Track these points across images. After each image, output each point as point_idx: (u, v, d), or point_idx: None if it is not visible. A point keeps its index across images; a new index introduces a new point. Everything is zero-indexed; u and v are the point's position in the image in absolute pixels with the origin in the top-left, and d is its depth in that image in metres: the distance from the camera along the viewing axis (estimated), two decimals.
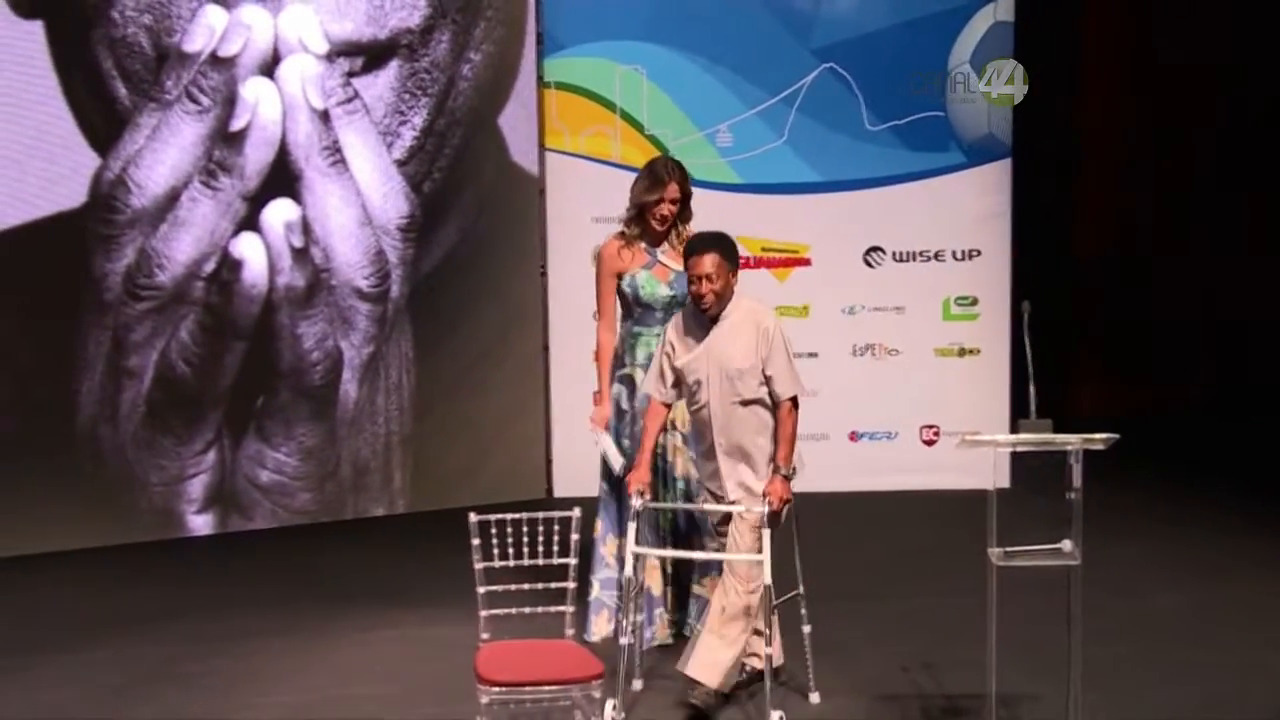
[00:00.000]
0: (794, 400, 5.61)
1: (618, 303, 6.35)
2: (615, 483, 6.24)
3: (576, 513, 5.05)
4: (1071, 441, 4.94)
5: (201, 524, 8.53)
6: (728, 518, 5.66)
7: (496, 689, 4.74)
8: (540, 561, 5.04)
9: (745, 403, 5.59)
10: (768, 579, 5.38)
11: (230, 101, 8.34)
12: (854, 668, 6.16)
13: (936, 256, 9.29)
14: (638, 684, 5.80)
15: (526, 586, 5.10)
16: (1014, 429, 5.17)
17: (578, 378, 8.76)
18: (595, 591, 6.41)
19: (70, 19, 8.06)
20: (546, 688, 4.78)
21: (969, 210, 9.25)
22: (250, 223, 8.44)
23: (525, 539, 5.02)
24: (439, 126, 8.87)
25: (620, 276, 6.25)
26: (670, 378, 5.71)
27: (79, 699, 5.94)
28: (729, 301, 5.61)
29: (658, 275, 6.21)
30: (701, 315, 5.63)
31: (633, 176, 6.42)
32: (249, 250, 8.44)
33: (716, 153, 9.19)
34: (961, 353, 9.32)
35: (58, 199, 8.08)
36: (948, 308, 9.31)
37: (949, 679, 5.97)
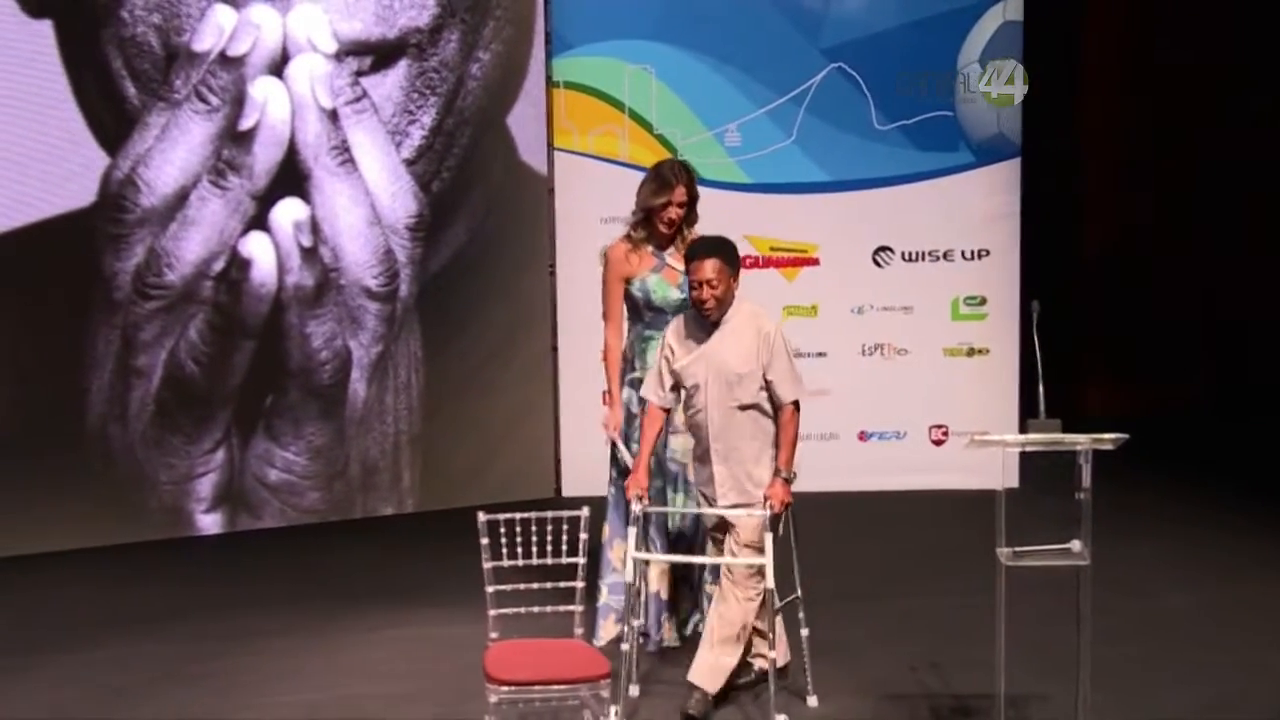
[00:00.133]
0: (795, 404, 5.60)
1: (624, 306, 6.33)
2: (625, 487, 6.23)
3: (585, 512, 5.05)
4: (1080, 441, 4.93)
5: (210, 523, 8.54)
6: (722, 523, 5.66)
7: (505, 688, 4.74)
8: (549, 561, 5.04)
9: (743, 407, 5.56)
10: (770, 583, 5.37)
11: (239, 101, 8.35)
12: (862, 667, 6.15)
13: (945, 256, 9.28)
14: (634, 690, 5.77)
15: (535, 586, 5.10)
16: (1023, 429, 5.16)
17: (586, 377, 8.78)
18: (603, 596, 6.40)
19: (80, 18, 8.07)
20: (555, 687, 4.77)
21: (978, 210, 9.25)
22: (259, 222, 8.45)
23: (534, 538, 5.02)
24: (448, 126, 8.87)
25: (629, 281, 6.23)
26: (669, 381, 5.68)
27: (84, 698, 5.94)
28: (730, 306, 5.59)
29: (667, 278, 6.20)
30: (702, 319, 5.61)
31: (641, 176, 6.39)
32: (258, 249, 8.45)
33: (725, 152, 9.19)
34: (970, 352, 9.31)
35: (67, 198, 8.09)
36: (956, 307, 9.30)
37: (957, 679, 5.97)
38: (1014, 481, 7.88)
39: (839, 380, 9.14)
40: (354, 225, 8.66)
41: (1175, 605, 7.01)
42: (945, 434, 9.30)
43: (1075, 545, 4.98)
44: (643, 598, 6.31)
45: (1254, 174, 11.14)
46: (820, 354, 9.19)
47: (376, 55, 8.67)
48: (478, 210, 9.02)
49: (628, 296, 6.26)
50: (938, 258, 9.28)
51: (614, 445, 6.25)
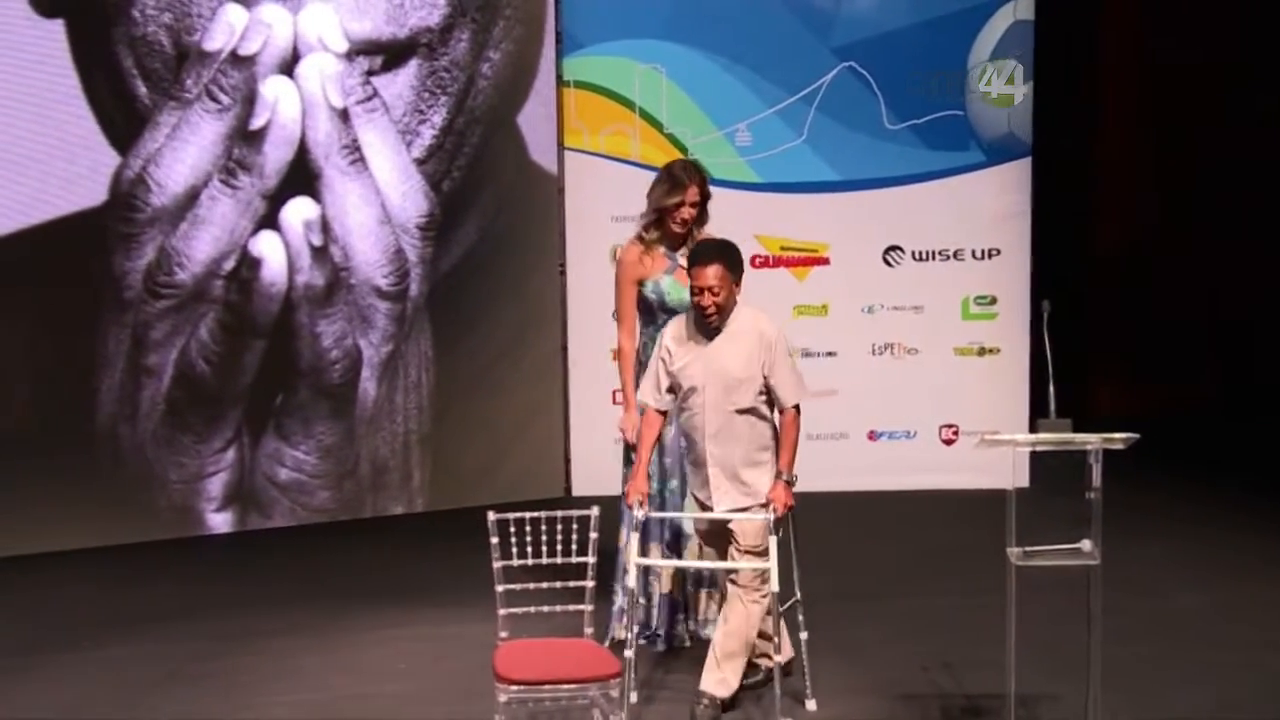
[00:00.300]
0: (797, 407, 5.58)
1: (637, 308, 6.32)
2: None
3: (595, 511, 5.04)
4: (1091, 441, 4.92)
5: (220, 522, 8.55)
6: (715, 528, 5.63)
7: (515, 688, 4.74)
8: (559, 560, 5.04)
9: (740, 411, 5.53)
10: (774, 586, 5.36)
11: (250, 100, 8.35)
12: (872, 667, 6.15)
13: (956, 255, 9.28)
14: (633, 696, 5.73)
15: (545, 585, 5.10)
16: (1033, 428, 5.16)
17: (596, 376, 8.79)
18: (619, 599, 6.38)
19: (91, 18, 8.08)
20: (565, 686, 4.77)
21: (988, 209, 9.24)
22: (270, 221, 8.45)
23: (544, 537, 5.02)
24: (458, 125, 8.87)
25: (642, 283, 6.21)
26: (666, 383, 5.63)
27: (92, 697, 5.94)
28: (731, 311, 5.57)
29: (680, 279, 6.18)
30: (704, 323, 5.59)
31: (652, 175, 6.37)
32: (268, 249, 8.46)
33: (735, 152, 9.18)
34: (981, 352, 9.30)
35: (78, 197, 8.10)
36: (967, 307, 9.29)
37: (968, 679, 5.96)
38: (1024, 481, 7.90)
39: (849, 380, 9.13)
40: (364, 224, 8.66)
41: (1186, 605, 7.00)
42: (955, 433, 9.29)
43: (1086, 545, 4.97)
44: (654, 600, 6.32)
45: (1265, 174, 11.11)
46: (830, 353, 9.19)
47: (387, 54, 8.67)
48: (488, 210, 9.02)
49: (641, 298, 6.23)
50: (948, 257, 9.28)
51: (628, 447, 6.24)
